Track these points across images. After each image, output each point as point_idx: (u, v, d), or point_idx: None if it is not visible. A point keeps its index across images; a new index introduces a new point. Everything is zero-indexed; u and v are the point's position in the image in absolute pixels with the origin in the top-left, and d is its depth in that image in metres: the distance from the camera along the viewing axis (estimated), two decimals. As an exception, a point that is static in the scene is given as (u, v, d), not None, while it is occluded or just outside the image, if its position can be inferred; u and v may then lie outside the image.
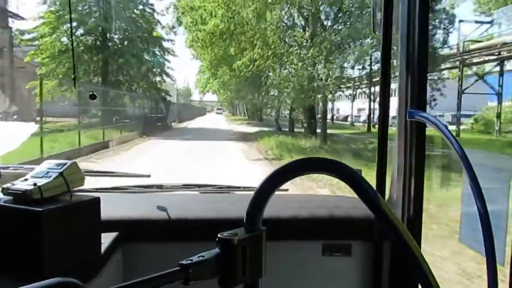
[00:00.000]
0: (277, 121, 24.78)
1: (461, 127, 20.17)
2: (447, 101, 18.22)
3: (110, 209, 1.39)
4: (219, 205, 1.70)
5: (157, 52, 26.77)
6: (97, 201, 1.10)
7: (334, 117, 33.25)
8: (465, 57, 20.49)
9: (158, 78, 27.58)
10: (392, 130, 1.53)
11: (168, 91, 29.86)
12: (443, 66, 18.95)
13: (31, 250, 0.96)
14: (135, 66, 24.34)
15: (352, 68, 17.91)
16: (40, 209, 0.94)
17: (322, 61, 15.61)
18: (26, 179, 1.03)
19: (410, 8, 1.42)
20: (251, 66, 18.97)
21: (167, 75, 28.33)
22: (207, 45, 21.04)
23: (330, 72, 15.40)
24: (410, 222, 1.46)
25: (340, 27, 17.11)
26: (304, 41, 16.97)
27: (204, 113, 68.83)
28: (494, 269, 0.79)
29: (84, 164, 10.30)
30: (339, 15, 17.59)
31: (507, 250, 0.98)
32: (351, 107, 31.51)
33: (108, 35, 23.39)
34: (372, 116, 23.41)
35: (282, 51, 17.68)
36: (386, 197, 1.58)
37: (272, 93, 22.43)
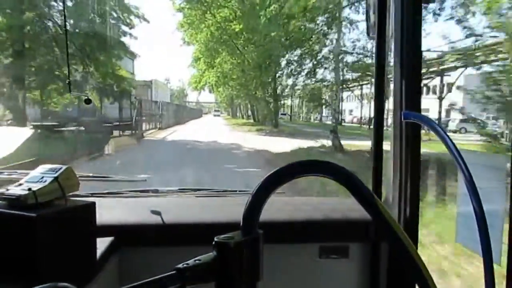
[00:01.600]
0: (335, 132, 14.30)
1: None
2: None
3: (105, 214, 1.38)
4: (215, 208, 1.70)
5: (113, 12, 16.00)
6: (92, 206, 1.10)
7: (344, 121, 28.63)
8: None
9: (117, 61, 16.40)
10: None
11: (131, 81, 19.36)
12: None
13: (26, 256, 0.95)
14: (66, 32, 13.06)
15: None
16: (35, 214, 0.94)
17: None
18: (20, 184, 1.03)
19: (403, 11, 1.43)
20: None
21: (125, 50, 17.29)
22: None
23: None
24: (406, 223, 1.47)
25: None
26: None
27: (200, 115, 63.45)
28: (491, 268, 0.79)
29: None
30: None
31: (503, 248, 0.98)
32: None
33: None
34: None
35: None
36: (383, 198, 1.59)
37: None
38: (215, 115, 67.41)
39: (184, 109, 48.29)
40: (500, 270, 0.93)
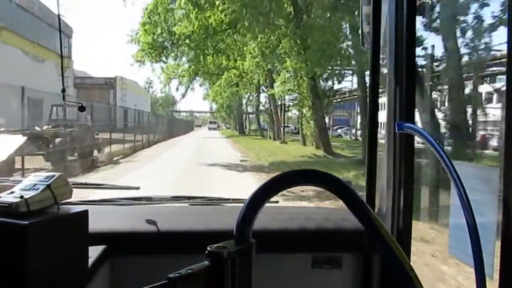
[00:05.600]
0: None
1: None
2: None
3: (98, 222, 1.37)
4: (209, 217, 1.69)
5: None
6: (85, 214, 1.09)
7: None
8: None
9: None
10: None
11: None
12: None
13: (16, 264, 0.95)
14: None
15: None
16: (26, 222, 0.93)
17: None
18: (12, 192, 1.02)
19: (397, 21, 1.45)
20: None
21: None
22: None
23: None
24: (399, 234, 1.47)
25: None
26: None
27: (191, 129, 48.42)
28: (483, 281, 0.79)
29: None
30: None
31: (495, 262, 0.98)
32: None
33: None
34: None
35: None
36: (376, 209, 1.59)
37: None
38: (210, 128, 54.09)
39: (166, 120, 31.21)
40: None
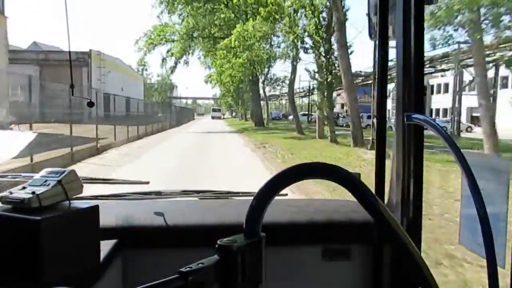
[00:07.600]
0: None
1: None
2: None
3: (109, 217, 1.38)
4: (219, 211, 1.70)
5: None
6: (95, 208, 1.10)
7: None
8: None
9: None
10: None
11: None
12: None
13: (30, 259, 0.96)
14: None
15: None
16: (39, 218, 0.94)
17: None
18: (24, 188, 1.03)
19: (405, 12, 1.43)
20: None
21: None
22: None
23: None
24: (409, 226, 1.46)
25: None
26: None
27: (189, 118, 41.99)
28: (495, 272, 0.79)
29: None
30: None
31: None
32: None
33: None
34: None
35: None
36: (385, 200, 1.58)
37: None
38: (214, 117, 49.55)
39: (144, 108, 21.81)
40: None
